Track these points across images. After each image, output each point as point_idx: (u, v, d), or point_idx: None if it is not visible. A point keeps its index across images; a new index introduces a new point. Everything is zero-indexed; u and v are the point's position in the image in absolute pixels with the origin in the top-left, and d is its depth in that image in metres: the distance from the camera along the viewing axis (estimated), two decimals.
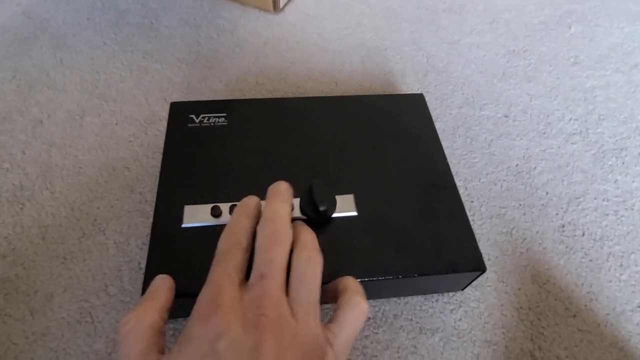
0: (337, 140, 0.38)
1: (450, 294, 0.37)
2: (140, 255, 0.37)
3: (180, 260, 0.30)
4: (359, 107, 0.41)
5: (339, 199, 0.33)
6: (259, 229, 0.26)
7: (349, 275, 0.27)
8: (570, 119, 0.51)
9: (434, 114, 0.43)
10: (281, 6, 0.59)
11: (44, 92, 0.48)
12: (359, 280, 0.27)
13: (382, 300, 0.36)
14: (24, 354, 0.32)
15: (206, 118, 0.38)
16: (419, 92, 0.52)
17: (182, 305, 0.31)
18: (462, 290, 0.37)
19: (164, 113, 0.47)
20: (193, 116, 0.39)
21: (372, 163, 0.37)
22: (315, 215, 0.31)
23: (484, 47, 0.58)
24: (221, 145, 0.37)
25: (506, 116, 0.50)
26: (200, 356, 0.20)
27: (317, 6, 0.61)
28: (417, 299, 0.36)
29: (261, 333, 0.20)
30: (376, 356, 0.33)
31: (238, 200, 0.32)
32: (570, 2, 0.65)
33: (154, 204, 0.39)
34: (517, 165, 0.46)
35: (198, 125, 0.38)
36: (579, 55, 0.58)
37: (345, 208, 0.33)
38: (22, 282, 0.35)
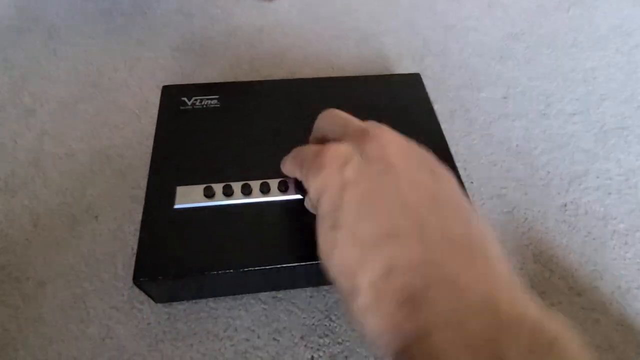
0: None
1: None
2: (133, 242, 0.36)
3: (172, 241, 0.30)
4: (354, 88, 0.40)
5: None
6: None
7: None
8: (571, 100, 0.50)
9: (431, 96, 0.42)
10: None
11: (36, 82, 0.47)
12: None
13: None
14: (16, 340, 0.31)
15: (198, 100, 0.38)
16: (427, 79, 0.51)
17: (176, 287, 0.31)
18: None
19: (157, 101, 0.46)
20: (185, 99, 0.38)
21: None
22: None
23: (482, 30, 0.57)
24: (214, 127, 0.36)
25: (505, 98, 0.50)
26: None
27: None
28: None
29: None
30: None
31: (231, 181, 0.32)
32: None
33: None
34: (517, 145, 0.45)
35: (190, 107, 0.37)
36: (577, 37, 0.57)
37: None
38: (14, 268, 0.34)
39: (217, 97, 0.38)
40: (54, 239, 0.36)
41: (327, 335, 0.32)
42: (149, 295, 0.32)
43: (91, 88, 0.47)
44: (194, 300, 0.33)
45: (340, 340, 0.32)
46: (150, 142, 0.42)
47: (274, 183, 0.32)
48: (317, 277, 0.33)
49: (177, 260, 0.29)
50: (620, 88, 0.51)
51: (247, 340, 0.32)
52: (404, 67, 0.52)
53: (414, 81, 0.42)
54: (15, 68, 0.48)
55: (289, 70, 0.51)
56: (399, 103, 0.40)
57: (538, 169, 0.43)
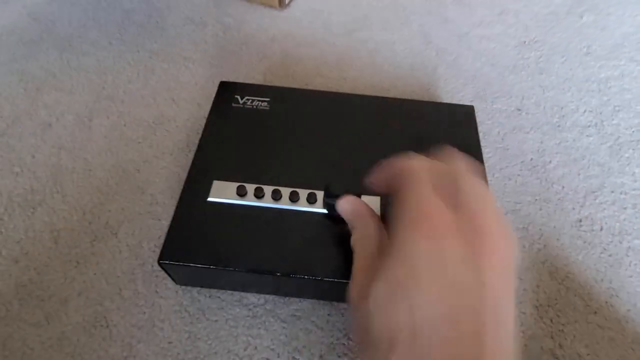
0: (376, 141, 0.38)
1: None
2: (152, 258, 0.36)
3: (200, 231, 0.31)
4: (404, 112, 0.40)
5: (365, 199, 0.32)
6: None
7: None
8: (585, 111, 0.50)
9: None
10: (287, 2, 0.58)
11: (51, 94, 0.47)
12: None
13: None
14: (40, 359, 0.31)
15: (250, 100, 0.39)
16: (432, 86, 0.51)
17: (196, 274, 0.32)
18: None
19: (172, 113, 0.46)
20: (238, 97, 0.39)
21: None
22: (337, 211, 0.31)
23: (494, 39, 0.57)
24: (260, 129, 0.38)
25: (519, 109, 0.49)
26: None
27: (323, 0, 0.60)
28: None
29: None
30: None
31: (265, 184, 0.34)
32: None
33: (165, 206, 0.39)
34: (531, 159, 0.45)
35: (241, 106, 0.39)
36: (591, 45, 0.57)
37: None
38: (36, 286, 0.35)
39: (268, 99, 0.39)
40: (75, 256, 0.36)
41: (346, 355, 0.33)
42: (171, 277, 0.33)
43: (106, 100, 0.47)
44: (214, 319, 0.34)
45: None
46: (166, 157, 0.43)
47: (303, 193, 0.33)
48: (330, 294, 0.34)
49: (200, 250, 0.30)
50: (635, 98, 0.51)
51: (267, 359, 0.32)
52: (417, 77, 0.52)
53: (467, 113, 0.41)
54: (30, 80, 0.49)
55: (301, 81, 0.51)
56: (446, 134, 0.39)
57: (553, 183, 0.43)
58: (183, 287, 0.35)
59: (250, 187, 0.33)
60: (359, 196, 0.31)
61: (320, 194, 0.33)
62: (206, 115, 0.45)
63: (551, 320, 0.35)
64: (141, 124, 0.45)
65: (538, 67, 0.54)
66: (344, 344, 0.33)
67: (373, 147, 0.37)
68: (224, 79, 0.50)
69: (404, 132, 0.39)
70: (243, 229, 0.32)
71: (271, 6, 0.58)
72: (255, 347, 0.33)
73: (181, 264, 0.30)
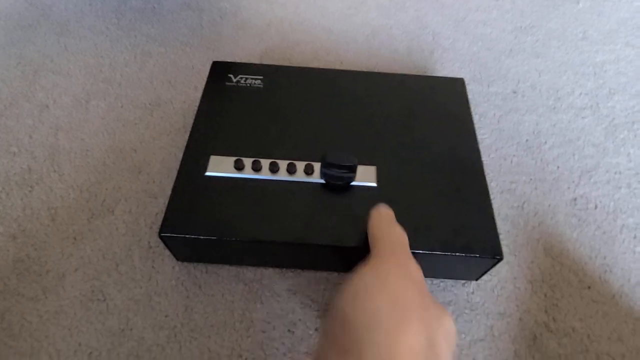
0: (369, 114, 0.38)
1: None
2: (149, 235, 0.37)
3: (199, 204, 0.31)
4: (395, 85, 0.41)
5: (361, 168, 0.33)
6: None
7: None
8: (581, 94, 0.50)
9: None
10: None
11: (49, 77, 0.48)
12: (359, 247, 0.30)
13: None
14: (38, 332, 0.32)
15: (243, 79, 0.39)
16: (428, 70, 0.51)
17: (196, 247, 0.32)
18: (476, 280, 0.35)
19: (168, 95, 0.47)
20: (231, 75, 0.40)
21: (400, 141, 0.36)
22: (336, 178, 0.32)
23: (490, 23, 0.57)
24: (254, 105, 0.38)
25: (514, 92, 0.50)
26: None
27: None
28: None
29: None
30: None
31: (262, 158, 0.34)
32: None
33: (161, 185, 0.39)
34: (527, 140, 0.45)
35: (235, 84, 0.39)
36: (587, 30, 0.57)
37: (365, 178, 0.33)
38: (33, 262, 0.35)
39: (261, 77, 0.40)
40: (72, 233, 0.36)
41: None
42: (171, 252, 0.34)
43: (103, 83, 0.47)
44: (210, 293, 0.34)
45: None
46: (162, 137, 0.43)
47: (300, 165, 0.33)
48: (331, 261, 0.34)
49: (200, 222, 0.31)
50: (630, 82, 0.51)
51: (263, 332, 0.32)
52: (414, 61, 0.52)
53: (457, 86, 0.41)
54: (27, 63, 0.49)
55: (298, 64, 0.51)
56: (438, 106, 0.39)
57: (548, 164, 0.43)
58: (180, 262, 0.35)
59: (248, 161, 0.33)
60: (355, 167, 0.32)
61: (317, 166, 0.33)
62: (198, 96, 0.46)
63: (545, 295, 0.35)
64: (138, 106, 0.45)
65: (534, 51, 0.54)
66: None
67: (366, 120, 0.38)
68: None
69: (396, 105, 0.39)
70: (242, 201, 0.32)
71: None
72: (252, 320, 0.33)
73: (182, 235, 0.30)
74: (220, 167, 0.33)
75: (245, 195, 0.32)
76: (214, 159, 0.34)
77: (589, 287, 0.36)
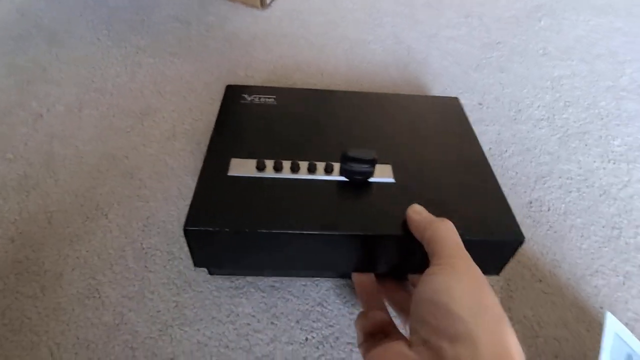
0: (378, 127, 0.41)
1: None
2: (142, 237, 0.39)
3: (223, 201, 0.32)
4: (397, 105, 0.44)
5: (378, 167, 0.35)
6: None
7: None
8: (539, 106, 0.55)
9: None
10: (268, 2, 0.62)
11: (41, 86, 0.50)
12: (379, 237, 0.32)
13: None
14: (37, 327, 0.34)
15: (257, 98, 0.42)
16: (403, 82, 0.55)
17: (219, 247, 0.33)
18: (498, 274, 0.37)
19: (158, 105, 0.49)
20: (245, 95, 0.42)
21: (411, 147, 0.39)
22: (356, 173, 0.34)
23: (460, 40, 0.62)
24: (269, 116, 0.40)
25: (480, 104, 0.54)
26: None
27: (303, 2, 0.64)
28: None
29: None
30: None
31: (278, 158, 0.35)
32: None
33: (152, 190, 0.42)
34: (490, 148, 0.50)
35: (249, 102, 0.42)
36: (547, 47, 0.62)
37: (383, 174, 0.35)
38: (31, 263, 0.37)
39: (274, 96, 0.42)
40: (68, 235, 0.39)
41: (319, 320, 0.36)
42: (191, 253, 0.33)
43: (95, 93, 0.50)
44: (199, 290, 0.37)
45: (331, 323, 0.36)
46: (153, 145, 0.46)
47: (320, 165, 0.35)
48: (356, 257, 0.35)
49: (224, 216, 0.31)
50: (583, 95, 0.57)
51: (248, 324, 0.36)
52: (390, 74, 0.56)
53: (454, 104, 0.45)
54: (19, 72, 0.51)
55: (281, 76, 0.54)
56: (438, 122, 0.42)
57: (508, 170, 0.48)
58: (170, 262, 0.38)
59: (269, 162, 0.35)
60: (374, 160, 0.34)
61: (336, 165, 0.35)
62: (192, 107, 0.49)
63: (501, 288, 0.40)
64: (129, 115, 0.48)
65: (499, 66, 0.59)
66: (318, 311, 0.37)
67: (376, 131, 0.41)
68: (208, 74, 0.53)
69: (403, 120, 0.42)
70: (265, 197, 0.33)
71: (253, 6, 0.62)
72: (237, 314, 0.36)
73: (206, 229, 0.30)
74: (241, 169, 0.35)
75: (268, 192, 0.33)
76: (235, 161, 0.35)
77: (540, 281, 0.40)
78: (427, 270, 0.26)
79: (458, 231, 0.31)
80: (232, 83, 0.53)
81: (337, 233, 0.31)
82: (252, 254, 0.34)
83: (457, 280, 0.24)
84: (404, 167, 0.37)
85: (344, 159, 0.34)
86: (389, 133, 0.41)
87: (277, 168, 0.35)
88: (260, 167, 0.35)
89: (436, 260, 0.26)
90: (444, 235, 0.28)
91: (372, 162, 0.34)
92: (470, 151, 0.40)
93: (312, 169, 0.35)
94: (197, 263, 0.35)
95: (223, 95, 0.42)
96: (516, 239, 0.33)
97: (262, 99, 0.42)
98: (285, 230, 0.31)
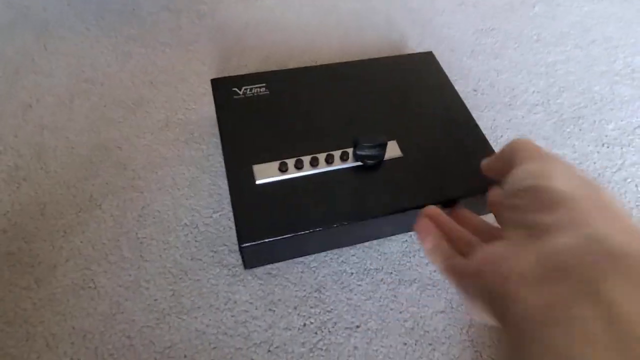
0: (372, 97, 0.43)
1: None
2: (137, 227, 0.39)
3: (263, 210, 0.34)
4: (378, 68, 0.46)
5: (390, 144, 0.38)
6: None
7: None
8: (534, 92, 0.55)
9: None
10: None
11: (30, 77, 0.49)
12: (410, 209, 0.35)
13: (363, 255, 0.39)
14: (32, 318, 0.34)
15: (248, 89, 0.42)
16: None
17: (272, 249, 0.35)
18: None
19: (151, 95, 0.49)
20: (236, 89, 0.42)
21: (404, 113, 0.42)
22: (371, 157, 0.37)
23: (454, 26, 0.61)
24: (269, 111, 0.41)
25: (475, 90, 0.54)
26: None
27: None
28: (396, 255, 0.40)
29: None
30: (359, 306, 0.37)
31: (297, 155, 0.37)
32: None
33: (147, 180, 0.42)
34: (485, 134, 0.50)
35: (243, 96, 0.41)
36: (541, 33, 0.62)
37: (391, 152, 0.38)
38: (25, 254, 0.37)
39: (264, 85, 0.42)
40: (61, 227, 0.38)
41: (317, 306, 0.36)
42: (244, 261, 0.36)
43: (85, 83, 0.49)
44: (196, 278, 0.37)
45: (329, 309, 0.36)
46: (146, 135, 0.45)
47: (336, 154, 0.37)
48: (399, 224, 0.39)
49: (271, 225, 0.33)
50: (578, 80, 0.57)
51: (246, 311, 0.36)
52: None
53: (429, 59, 0.48)
54: (7, 63, 0.50)
55: (274, 63, 0.54)
56: (419, 77, 0.46)
57: None
58: (166, 250, 0.38)
59: (289, 162, 0.36)
60: (385, 143, 0.37)
61: (350, 151, 0.37)
62: (184, 97, 0.48)
63: None
64: (121, 105, 0.47)
65: (493, 53, 0.59)
66: (315, 297, 0.37)
67: (370, 102, 0.43)
68: (200, 63, 0.53)
69: (386, 83, 0.45)
70: (298, 197, 0.35)
71: None
72: (235, 302, 0.36)
73: (261, 241, 0.33)
74: (266, 173, 0.36)
75: (299, 192, 0.35)
76: (257, 168, 0.36)
77: None
78: (518, 167, 0.24)
79: (470, 189, 0.35)
80: (225, 72, 0.52)
81: (371, 218, 0.35)
82: (300, 248, 0.38)
83: (554, 164, 0.23)
84: (406, 139, 0.40)
85: (359, 147, 0.36)
86: (382, 105, 0.43)
87: (299, 167, 0.36)
88: (283, 169, 0.36)
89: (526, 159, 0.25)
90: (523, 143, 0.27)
91: (383, 145, 0.37)
92: (453, 105, 0.44)
93: (330, 161, 0.37)
94: (248, 266, 0.37)
95: (213, 92, 0.42)
96: None
97: (254, 90, 0.42)
98: (328, 226, 0.34)
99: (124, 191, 0.41)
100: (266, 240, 0.33)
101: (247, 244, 0.32)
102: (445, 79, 0.46)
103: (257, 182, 0.35)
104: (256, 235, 0.33)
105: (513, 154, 0.26)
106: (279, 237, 0.33)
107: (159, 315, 0.35)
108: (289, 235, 0.33)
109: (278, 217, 0.34)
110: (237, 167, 0.36)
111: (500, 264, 0.21)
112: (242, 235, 0.33)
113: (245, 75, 0.43)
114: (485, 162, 0.31)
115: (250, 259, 0.36)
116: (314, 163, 0.37)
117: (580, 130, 0.51)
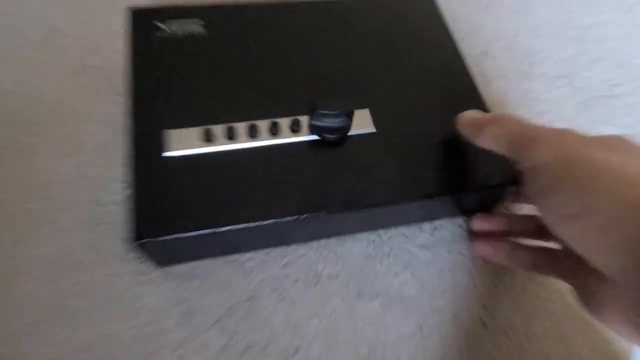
0: (343, 49, 0.33)
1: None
2: (23, 198, 0.30)
3: (172, 195, 0.25)
4: (361, 12, 0.35)
5: (357, 113, 0.29)
6: None
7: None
8: (558, 60, 0.44)
9: None
10: None
11: None
12: (381, 205, 0.27)
13: (315, 256, 0.31)
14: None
15: (177, 25, 0.31)
16: None
17: (185, 246, 0.26)
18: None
19: (64, 27, 0.38)
20: (159, 24, 0.31)
21: (384, 73, 0.32)
22: (331, 130, 0.27)
23: None
24: (203, 58, 0.30)
25: (485, 53, 0.43)
26: None
27: None
28: (358, 259, 0.31)
29: None
30: (301, 324, 0.28)
31: (231, 121, 0.27)
32: None
33: (44, 139, 0.32)
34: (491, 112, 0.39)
35: (170, 35, 0.31)
36: None
37: (361, 125, 0.29)
38: None
39: (200, 21, 0.32)
40: None
41: (246, 320, 0.28)
42: (150, 258, 0.27)
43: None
44: (89, 274, 0.28)
45: (261, 326, 0.28)
46: (53, 81, 0.35)
47: (284, 122, 0.28)
48: (334, 228, 0.30)
49: (183, 215, 0.24)
50: (616, 50, 0.45)
51: (152, 322, 0.27)
52: None
53: (426, 5, 0.37)
54: None
55: None
56: (413, 26, 0.35)
57: None
58: (58, 233, 0.29)
59: (218, 128, 0.27)
60: (352, 112, 0.27)
61: (304, 119, 0.28)
62: (109, 33, 0.37)
63: (488, 290, 0.31)
64: (24, 38, 0.37)
65: (513, 8, 0.47)
66: (245, 309, 0.28)
67: (340, 55, 0.32)
68: None
69: (368, 32, 0.34)
70: (224, 180, 0.25)
71: None
72: (139, 308, 0.27)
73: (169, 237, 0.24)
74: (183, 143, 0.26)
75: (226, 171, 0.26)
76: (171, 134, 0.26)
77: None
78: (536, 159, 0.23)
79: (451, 185, 0.28)
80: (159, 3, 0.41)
81: (322, 214, 0.26)
82: (227, 246, 0.29)
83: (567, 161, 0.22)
84: (383, 109, 0.30)
85: (315, 116, 0.26)
86: (357, 58, 0.32)
87: (230, 137, 0.26)
88: (208, 139, 0.26)
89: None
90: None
91: (350, 115, 0.27)
92: (453, 70, 0.34)
93: (275, 131, 0.27)
94: (161, 264, 0.28)
95: (129, 27, 0.31)
96: (513, 183, 0.28)
97: (185, 27, 0.31)
98: (257, 223, 0.25)
99: (12, 152, 0.32)
100: (174, 236, 0.24)
101: (145, 240, 0.24)
102: (446, 33, 0.35)
103: (168, 153, 0.26)
104: (161, 229, 0.24)
105: (500, 136, 0.26)
106: (194, 233, 0.24)
107: (27, 322, 0.26)
108: (208, 232, 0.24)
109: (195, 204, 0.25)
110: (145, 131, 0.26)
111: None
112: (141, 227, 0.24)
113: (174, 7, 0.32)
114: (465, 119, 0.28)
115: (158, 257, 0.27)
116: (253, 133, 0.27)
117: (611, 113, 0.41)
